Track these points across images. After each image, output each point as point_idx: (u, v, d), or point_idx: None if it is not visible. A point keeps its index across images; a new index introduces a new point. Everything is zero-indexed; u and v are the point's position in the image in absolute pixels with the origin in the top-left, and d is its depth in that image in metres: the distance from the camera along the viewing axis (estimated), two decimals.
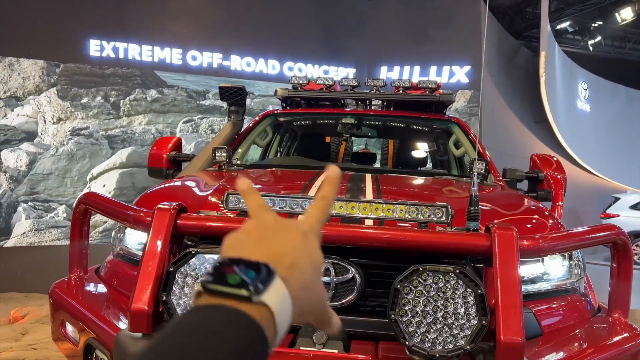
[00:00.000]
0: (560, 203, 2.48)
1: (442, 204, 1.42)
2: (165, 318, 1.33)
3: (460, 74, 8.74)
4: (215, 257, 1.34)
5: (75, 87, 7.11)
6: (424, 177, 2.66)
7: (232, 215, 1.50)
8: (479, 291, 1.26)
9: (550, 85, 11.06)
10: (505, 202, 2.10)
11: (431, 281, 1.27)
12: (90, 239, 6.49)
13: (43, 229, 6.84)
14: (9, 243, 6.68)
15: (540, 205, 2.06)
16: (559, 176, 2.55)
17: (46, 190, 6.92)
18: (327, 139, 4.09)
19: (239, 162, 2.88)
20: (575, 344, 1.52)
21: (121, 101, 7.38)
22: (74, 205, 1.80)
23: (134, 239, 1.79)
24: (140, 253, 1.72)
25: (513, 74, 11.11)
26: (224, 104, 8.23)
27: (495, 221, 1.41)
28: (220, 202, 1.54)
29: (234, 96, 3.19)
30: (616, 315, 1.66)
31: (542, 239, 1.44)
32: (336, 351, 1.32)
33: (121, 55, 7.36)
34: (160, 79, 7.63)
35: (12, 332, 5.12)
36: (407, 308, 1.27)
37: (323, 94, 3.46)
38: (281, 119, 3.60)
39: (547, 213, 1.94)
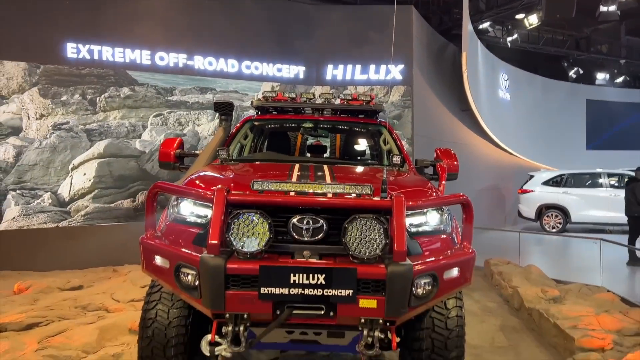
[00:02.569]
0: (443, 182, 3.89)
1: (367, 185, 2.69)
2: (227, 248, 2.52)
3: (395, 71, 10.12)
4: (251, 215, 2.54)
5: (55, 86, 7.89)
6: (362, 166, 3.95)
7: (256, 193, 2.69)
8: (384, 227, 2.54)
9: (472, 78, 12.59)
10: (409, 181, 3.43)
11: (362, 223, 2.55)
12: (73, 222, 8.02)
13: (31, 213, 7.66)
14: (1, 227, 7.45)
15: (429, 183, 3.39)
16: (444, 165, 3.97)
17: (32, 179, 7.72)
18: (291, 137, 5.34)
19: (231, 157, 4.05)
20: (440, 257, 2.84)
21: (97, 98, 8.22)
22: (149, 189, 2.90)
23: (186, 210, 2.94)
24: (190, 218, 2.90)
25: (441, 68, 12.57)
26: (190, 100, 9.40)
27: (394, 193, 2.70)
28: (247, 185, 2.72)
29: (225, 108, 4.35)
30: (465, 243, 3.00)
31: (419, 200, 2.76)
32: (315, 260, 2.58)
33: (96, 57, 8.18)
34: (132, 78, 8.51)
35: (24, 300, 5.97)
36: (350, 236, 2.54)
37: (289, 104, 4.67)
38: (256, 123, 4.78)
39: (431, 188, 3.27)
